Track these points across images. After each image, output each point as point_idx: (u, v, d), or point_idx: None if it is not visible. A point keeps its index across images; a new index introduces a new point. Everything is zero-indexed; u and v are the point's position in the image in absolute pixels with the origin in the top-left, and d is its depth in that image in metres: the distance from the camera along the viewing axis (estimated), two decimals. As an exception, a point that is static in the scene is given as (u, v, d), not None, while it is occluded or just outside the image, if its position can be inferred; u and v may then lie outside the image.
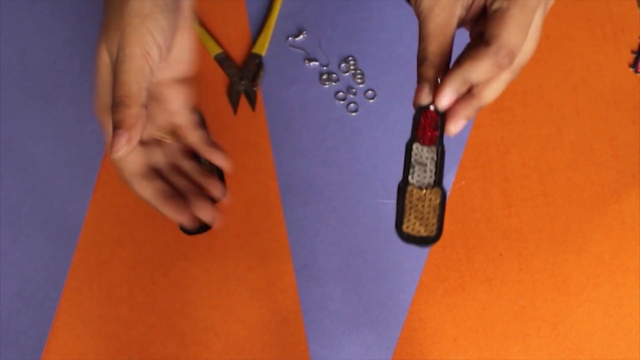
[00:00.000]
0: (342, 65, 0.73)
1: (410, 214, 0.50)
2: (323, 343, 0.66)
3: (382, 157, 0.70)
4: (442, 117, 0.50)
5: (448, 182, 0.70)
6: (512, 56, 0.47)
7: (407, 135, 0.73)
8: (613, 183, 0.70)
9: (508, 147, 0.71)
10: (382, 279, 0.67)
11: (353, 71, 0.73)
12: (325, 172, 0.70)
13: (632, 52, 0.73)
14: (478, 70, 0.47)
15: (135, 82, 0.48)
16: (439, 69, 0.49)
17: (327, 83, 0.72)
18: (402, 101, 0.72)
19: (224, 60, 0.73)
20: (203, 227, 0.63)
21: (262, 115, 0.71)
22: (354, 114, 0.72)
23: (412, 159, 0.51)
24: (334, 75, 0.73)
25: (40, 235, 0.68)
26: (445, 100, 0.48)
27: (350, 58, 0.73)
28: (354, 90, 0.72)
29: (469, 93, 0.50)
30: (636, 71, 0.73)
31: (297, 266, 0.68)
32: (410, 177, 0.51)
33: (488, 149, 0.71)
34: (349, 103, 0.72)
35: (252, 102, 0.72)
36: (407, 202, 0.50)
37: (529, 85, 0.72)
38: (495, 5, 0.48)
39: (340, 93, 0.72)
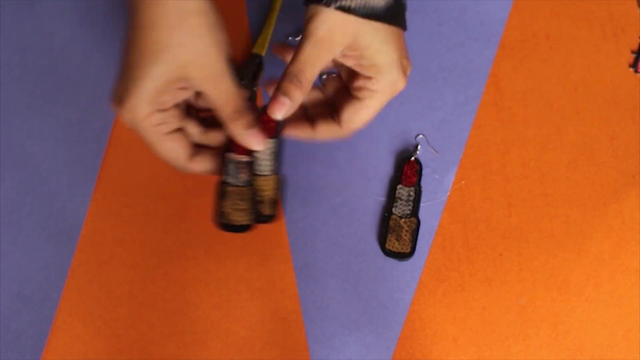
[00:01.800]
0: (342, 65, 0.73)
1: (392, 236, 0.67)
2: (323, 343, 0.66)
3: (382, 157, 0.70)
4: (420, 166, 0.68)
5: (448, 182, 0.70)
6: (353, 133, 0.57)
7: (407, 135, 0.73)
8: (613, 183, 0.70)
9: (508, 147, 0.71)
10: (382, 279, 0.67)
11: (353, 71, 0.73)
12: (325, 172, 0.70)
13: (632, 52, 0.73)
14: (325, 136, 0.58)
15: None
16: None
17: (327, 83, 0.72)
18: (402, 101, 0.72)
19: (223, 60, 0.72)
20: (242, 226, 0.60)
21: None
22: (354, 114, 0.72)
23: (396, 196, 0.68)
24: (334, 75, 0.73)
25: (40, 235, 0.68)
26: (277, 116, 0.55)
27: (350, 58, 0.73)
28: (354, 90, 0.72)
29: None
30: (636, 71, 0.73)
31: (297, 266, 0.68)
32: (393, 209, 0.68)
33: (488, 149, 0.71)
34: (349, 103, 0.72)
35: (252, 102, 0.72)
36: (389, 227, 0.68)
37: (529, 85, 0.72)
38: (357, 92, 0.56)
39: (340, 93, 0.72)
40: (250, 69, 0.72)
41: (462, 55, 0.73)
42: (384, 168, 0.70)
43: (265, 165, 0.59)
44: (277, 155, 0.59)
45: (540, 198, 0.70)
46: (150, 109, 0.53)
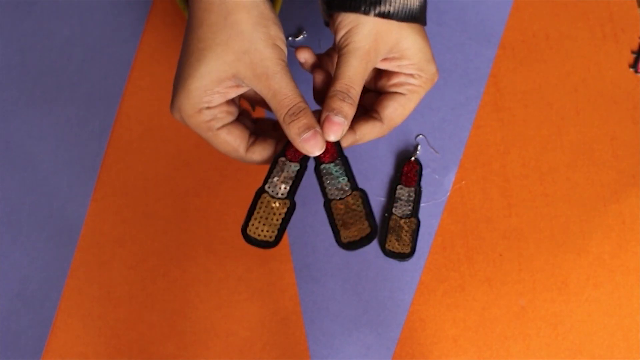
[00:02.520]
0: (342, 65, 0.73)
1: (392, 236, 0.68)
2: (323, 343, 0.66)
3: (382, 157, 0.70)
4: (420, 166, 0.69)
5: (448, 182, 0.70)
6: (392, 129, 0.56)
7: (407, 135, 0.73)
8: (613, 183, 0.70)
9: (508, 147, 0.71)
10: (382, 279, 0.67)
11: (353, 71, 0.73)
12: (325, 172, 0.69)
13: (632, 52, 0.73)
14: (369, 136, 0.55)
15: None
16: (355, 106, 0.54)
17: (327, 83, 0.72)
18: (402, 101, 0.72)
19: (224, 60, 0.72)
20: (265, 242, 0.56)
21: (263, 115, 0.71)
22: (354, 114, 0.72)
23: (396, 197, 0.69)
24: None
25: (40, 235, 0.68)
26: (332, 138, 0.53)
27: (350, 58, 0.73)
28: (354, 90, 0.72)
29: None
30: (636, 71, 0.73)
31: (297, 266, 0.68)
32: (393, 209, 0.68)
33: (488, 149, 0.71)
34: (349, 103, 0.72)
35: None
36: (389, 227, 0.68)
37: (529, 85, 0.72)
38: (398, 89, 0.55)
39: (340, 93, 0.72)
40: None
41: (462, 55, 0.73)
42: (384, 168, 0.70)
43: (339, 188, 0.55)
44: (348, 173, 0.54)
45: (540, 198, 0.70)
46: (196, 108, 0.51)
